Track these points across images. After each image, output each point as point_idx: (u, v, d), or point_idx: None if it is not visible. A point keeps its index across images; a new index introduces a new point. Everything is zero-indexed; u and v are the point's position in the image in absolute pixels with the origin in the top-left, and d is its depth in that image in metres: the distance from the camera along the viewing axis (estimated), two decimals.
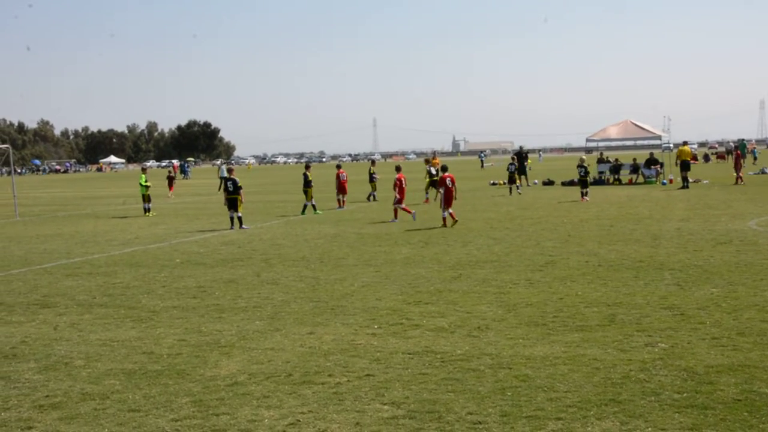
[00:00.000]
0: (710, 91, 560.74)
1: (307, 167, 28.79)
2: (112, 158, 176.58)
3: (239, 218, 23.57)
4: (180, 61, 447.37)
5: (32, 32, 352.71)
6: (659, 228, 19.63)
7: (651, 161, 41.74)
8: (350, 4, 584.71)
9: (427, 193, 32.35)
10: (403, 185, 24.69)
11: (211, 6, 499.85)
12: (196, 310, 11.45)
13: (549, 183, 43.60)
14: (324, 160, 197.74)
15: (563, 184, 41.91)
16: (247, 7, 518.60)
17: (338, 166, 32.22)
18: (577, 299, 11.14)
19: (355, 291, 12.45)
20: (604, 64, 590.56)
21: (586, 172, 31.68)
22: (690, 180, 36.60)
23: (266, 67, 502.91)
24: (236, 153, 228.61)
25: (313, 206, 28.05)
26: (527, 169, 46.86)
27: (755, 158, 64.56)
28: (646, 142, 49.67)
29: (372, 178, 34.22)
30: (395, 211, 24.24)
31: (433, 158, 43.42)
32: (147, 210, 30.62)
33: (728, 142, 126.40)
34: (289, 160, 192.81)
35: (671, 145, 56.58)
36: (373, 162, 37.48)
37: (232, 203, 23.68)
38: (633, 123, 44.21)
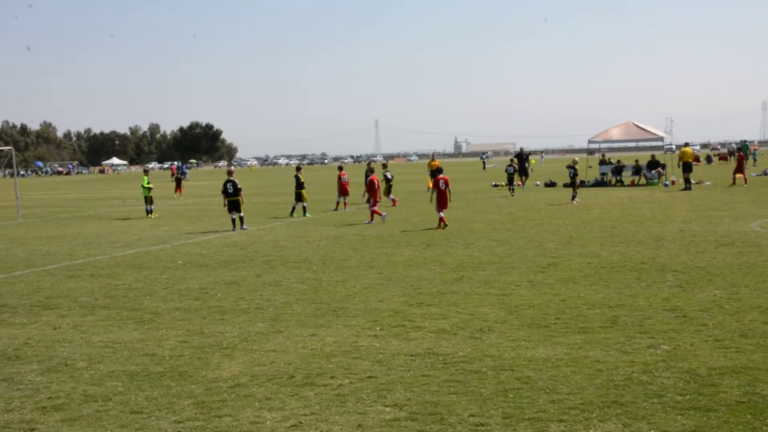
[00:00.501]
0: (712, 93, 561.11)
1: (298, 169, 28.89)
2: (115, 160, 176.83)
3: (241, 218, 23.62)
4: (182, 63, 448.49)
5: (32, 32, 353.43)
6: (661, 230, 19.61)
7: (653, 163, 41.72)
8: (353, 7, 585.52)
9: (389, 197, 32.87)
10: (376, 187, 25.17)
11: (212, 7, 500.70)
12: (199, 311, 11.46)
13: (551, 184, 43.59)
14: (326, 161, 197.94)
15: (566, 185, 41.86)
16: (249, 8, 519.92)
17: (340, 168, 32.24)
18: (579, 301, 11.13)
19: (357, 293, 12.45)
20: (607, 66, 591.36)
21: (575, 174, 31.62)
22: (692, 181, 36.57)
23: (268, 69, 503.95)
24: (238, 154, 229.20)
25: (304, 208, 28.18)
26: (529, 170, 46.84)
27: (755, 160, 64.51)
28: (648, 144, 49.59)
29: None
30: (371, 213, 24.54)
31: (432, 160, 43.66)
32: (149, 212, 30.65)
33: (731, 143, 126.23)
34: (291, 162, 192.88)
35: (673, 147, 56.55)
36: (369, 165, 37.60)
37: (233, 205, 23.73)
38: (635, 124, 44.16)
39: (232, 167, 56.83)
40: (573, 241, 17.96)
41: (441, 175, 22.66)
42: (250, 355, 8.89)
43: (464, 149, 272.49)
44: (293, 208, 28.47)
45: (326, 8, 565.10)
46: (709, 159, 73.65)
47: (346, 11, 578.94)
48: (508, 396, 7.09)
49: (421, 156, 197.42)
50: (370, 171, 27.56)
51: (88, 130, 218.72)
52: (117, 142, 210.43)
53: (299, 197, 28.34)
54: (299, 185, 28.27)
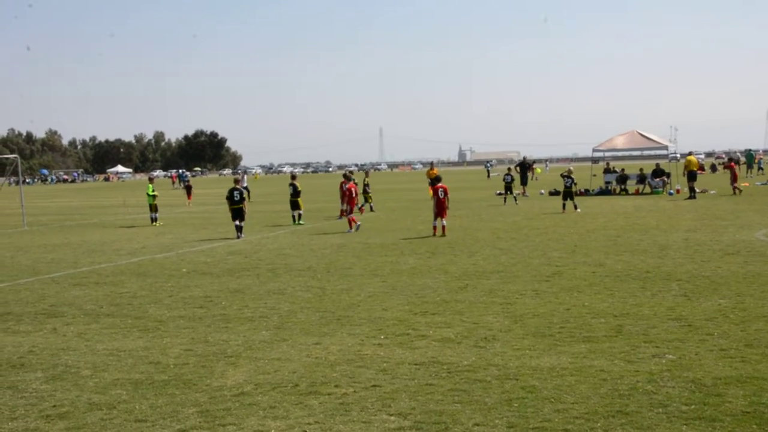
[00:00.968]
0: (717, 101, 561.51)
1: (293, 177, 28.92)
2: (120, 168, 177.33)
3: (240, 227, 23.62)
4: (187, 71, 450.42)
5: (32, 32, 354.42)
6: (666, 238, 19.58)
7: (658, 172, 41.68)
8: (357, 15, 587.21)
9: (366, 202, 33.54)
10: (353, 195, 25.10)
11: (216, 15, 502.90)
12: (203, 320, 11.47)
13: (555, 193, 43.48)
14: (330, 169, 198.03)
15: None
16: (253, 16, 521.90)
17: (345, 176, 32.26)
18: (584, 310, 11.11)
19: (362, 301, 12.45)
20: (611, 75, 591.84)
21: (572, 183, 31.65)
22: (697, 190, 36.52)
23: (273, 77, 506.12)
24: (243, 162, 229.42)
25: (299, 215, 28.30)
26: (532, 178, 46.70)
27: (760, 168, 64.33)
28: (652, 153, 49.58)
29: (365, 190, 34.49)
30: (349, 221, 24.52)
31: (431, 169, 43.93)
32: (154, 219, 30.71)
33: (735, 152, 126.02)
34: (296, 170, 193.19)
35: (678, 156, 56.44)
36: (366, 173, 37.72)
37: (238, 213, 23.76)
38: (639, 133, 44.12)
39: (239, 174, 56.66)
40: (577, 249, 17.94)
41: (440, 184, 22.81)
42: (255, 363, 8.89)
43: (469, 157, 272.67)
44: (293, 217, 28.50)
45: (332, 17, 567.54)
46: (713, 168, 73.58)
47: (351, 20, 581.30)
48: (512, 405, 7.08)
49: (425, 164, 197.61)
50: (346, 179, 27.05)
51: (93, 138, 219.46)
52: (122, 149, 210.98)
53: (295, 205, 28.41)
54: (295, 193, 28.33)
